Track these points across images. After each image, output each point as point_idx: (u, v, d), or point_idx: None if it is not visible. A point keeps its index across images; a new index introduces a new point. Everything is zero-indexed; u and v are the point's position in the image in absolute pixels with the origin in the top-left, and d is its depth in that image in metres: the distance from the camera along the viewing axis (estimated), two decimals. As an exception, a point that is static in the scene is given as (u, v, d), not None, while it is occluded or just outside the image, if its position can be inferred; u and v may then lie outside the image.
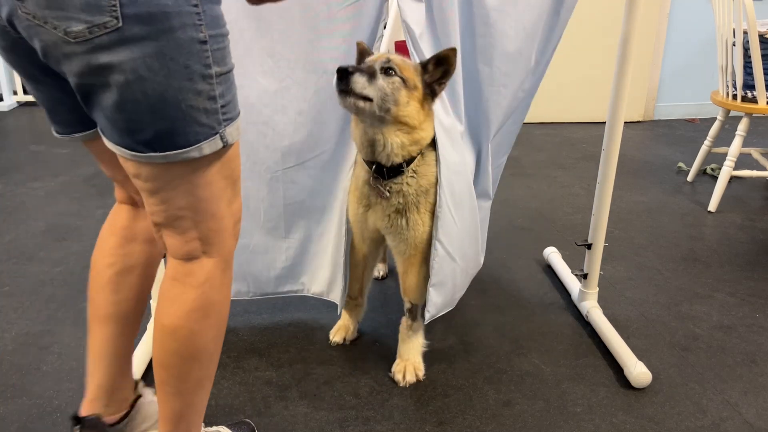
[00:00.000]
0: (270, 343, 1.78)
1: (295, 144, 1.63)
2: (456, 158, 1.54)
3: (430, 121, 1.46)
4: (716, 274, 2.19)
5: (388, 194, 1.48)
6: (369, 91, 1.34)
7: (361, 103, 1.34)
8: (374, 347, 1.76)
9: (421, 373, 1.63)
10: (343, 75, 1.31)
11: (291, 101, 1.58)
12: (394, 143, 1.41)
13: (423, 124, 1.43)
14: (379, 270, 2.10)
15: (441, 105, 1.54)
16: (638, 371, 1.59)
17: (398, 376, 1.61)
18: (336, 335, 1.77)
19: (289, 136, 1.62)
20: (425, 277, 1.59)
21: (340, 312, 1.78)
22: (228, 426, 1.39)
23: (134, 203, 1.20)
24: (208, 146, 0.93)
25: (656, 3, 4.01)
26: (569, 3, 1.58)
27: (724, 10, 2.65)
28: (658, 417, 1.51)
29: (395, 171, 1.46)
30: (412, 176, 1.48)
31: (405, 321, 1.65)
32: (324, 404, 1.54)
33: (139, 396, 1.29)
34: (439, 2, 1.48)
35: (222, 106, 0.93)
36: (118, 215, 1.21)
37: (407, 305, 1.63)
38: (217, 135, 0.93)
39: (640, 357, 1.66)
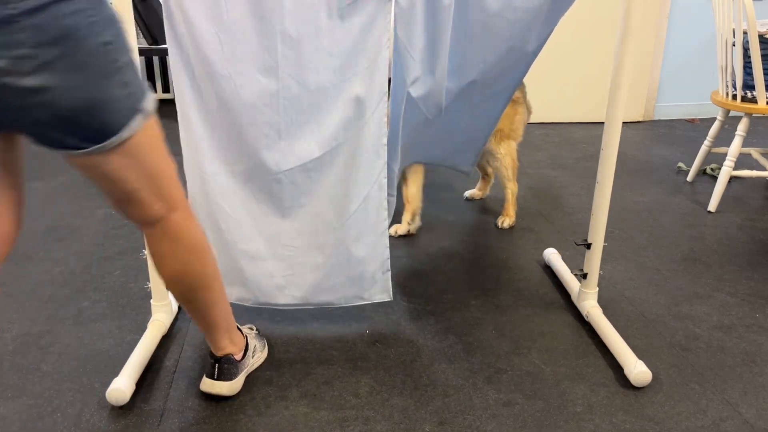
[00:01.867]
0: (270, 343, 1.78)
1: (295, 145, 1.63)
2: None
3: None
4: (716, 274, 2.19)
5: None
6: None
7: None
8: (374, 347, 1.76)
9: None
10: None
11: (292, 101, 1.58)
12: None
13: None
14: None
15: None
16: (638, 371, 1.59)
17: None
18: (399, 229, 2.46)
19: (289, 136, 1.61)
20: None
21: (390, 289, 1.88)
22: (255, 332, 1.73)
23: None
24: (136, 123, 1.11)
25: (656, 3, 4.01)
26: (566, 2, 1.58)
27: (724, 10, 2.65)
28: (658, 417, 1.51)
29: None
30: None
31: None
32: (324, 404, 1.54)
33: (246, 337, 1.62)
34: (437, 9, 1.49)
35: (135, 88, 1.11)
36: None
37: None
38: (139, 112, 1.11)
39: (640, 357, 1.66)
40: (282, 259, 1.74)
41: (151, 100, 1.14)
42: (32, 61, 0.96)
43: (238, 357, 1.54)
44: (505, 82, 1.81)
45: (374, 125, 1.64)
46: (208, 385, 1.52)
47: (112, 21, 1.04)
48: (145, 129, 1.14)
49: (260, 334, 1.75)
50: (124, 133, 1.10)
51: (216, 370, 1.51)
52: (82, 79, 1.01)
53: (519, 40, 1.61)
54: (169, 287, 1.36)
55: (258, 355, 1.67)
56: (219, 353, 1.51)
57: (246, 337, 1.61)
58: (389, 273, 1.77)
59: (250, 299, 1.77)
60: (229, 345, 1.52)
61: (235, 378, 1.53)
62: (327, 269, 1.75)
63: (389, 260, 1.76)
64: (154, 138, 1.18)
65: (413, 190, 2.44)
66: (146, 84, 1.15)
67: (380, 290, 1.80)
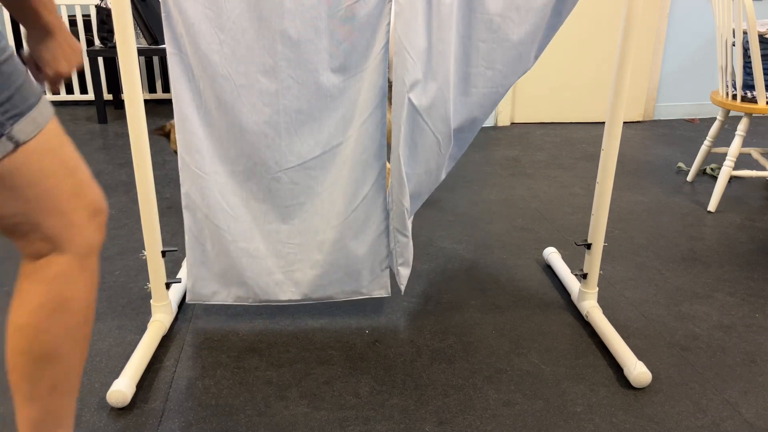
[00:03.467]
0: (270, 343, 1.78)
1: (295, 144, 1.63)
2: (425, 168, 1.67)
3: None
4: (716, 274, 2.19)
5: None
6: None
7: None
8: (374, 347, 1.77)
9: None
10: None
11: (291, 101, 1.58)
12: None
13: None
14: None
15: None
16: (638, 371, 1.59)
17: None
18: None
19: (289, 135, 1.62)
20: None
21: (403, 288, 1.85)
22: None
23: None
24: None
25: (656, 3, 4.01)
26: (570, 3, 1.58)
27: (723, 10, 2.65)
28: (658, 417, 1.51)
29: None
30: None
31: None
32: (324, 404, 1.54)
33: None
34: (437, 7, 1.48)
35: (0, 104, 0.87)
36: None
37: None
38: (3, 137, 0.87)
39: (640, 357, 1.66)
40: (281, 256, 1.75)
41: (33, 121, 0.92)
42: None
43: None
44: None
45: (373, 126, 1.64)
46: None
47: None
48: (15, 158, 0.90)
49: None
50: None
51: None
52: None
53: (527, 46, 1.58)
54: (7, 342, 1.01)
55: None
56: None
57: None
58: (388, 270, 1.79)
59: (249, 298, 1.78)
60: None
61: None
62: (326, 266, 1.76)
63: (388, 258, 1.78)
64: (48, 167, 0.94)
65: None
66: (30, 102, 0.91)
67: (378, 286, 1.82)
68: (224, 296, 1.79)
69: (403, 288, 1.82)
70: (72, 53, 1.07)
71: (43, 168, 0.93)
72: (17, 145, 0.89)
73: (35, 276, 1.00)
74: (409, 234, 1.76)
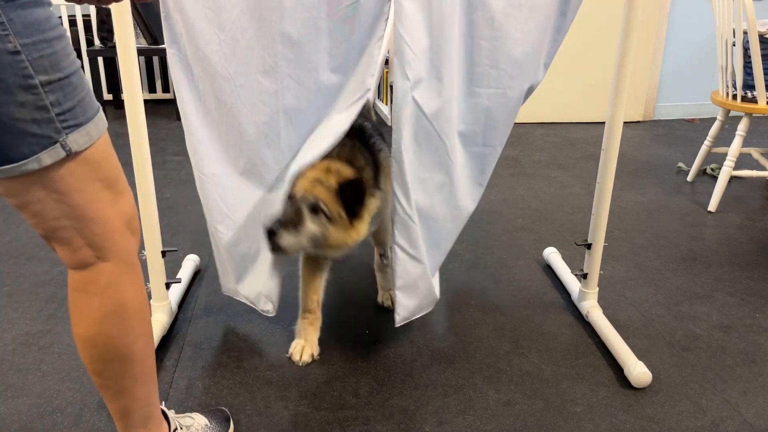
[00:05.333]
0: (270, 343, 1.78)
1: (294, 144, 1.63)
2: (433, 176, 1.61)
3: (363, 224, 1.57)
4: (716, 274, 2.19)
5: None
6: (300, 241, 1.51)
7: (295, 252, 1.55)
8: (374, 347, 1.76)
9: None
10: (270, 235, 1.48)
11: (291, 101, 1.58)
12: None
13: (353, 235, 1.56)
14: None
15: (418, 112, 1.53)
16: (638, 371, 1.59)
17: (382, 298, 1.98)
18: (304, 355, 1.69)
19: (290, 136, 1.62)
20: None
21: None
22: (203, 413, 1.41)
23: None
24: (48, 156, 0.90)
25: (656, 3, 4.01)
26: (575, 3, 1.57)
27: (724, 10, 2.65)
28: (658, 417, 1.51)
29: None
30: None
31: (379, 259, 1.96)
32: (324, 404, 1.54)
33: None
34: (439, 5, 1.47)
35: (59, 114, 0.90)
36: None
37: (380, 251, 1.94)
38: (57, 144, 0.90)
39: (640, 357, 1.65)
40: (285, 260, 1.74)
41: (88, 134, 0.95)
42: None
43: None
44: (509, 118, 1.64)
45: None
46: None
47: (34, 28, 0.85)
48: (80, 165, 0.94)
49: (221, 420, 1.43)
50: (29, 164, 0.89)
51: None
52: None
53: (533, 46, 1.56)
54: (80, 352, 1.08)
55: None
56: None
57: None
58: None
59: (249, 297, 1.78)
60: None
61: None
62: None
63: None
64: (92, 176, 0.97)
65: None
66: (89, 115, 0.95)
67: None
68: (240, 295, 1.78)
69: (397, 320, 1.62)
70: None
71: (88, 177, 0.97)
72: (69, 154, 0.92)
73: (87, 288, 1.04)
74: (417, 256, 1.60)
